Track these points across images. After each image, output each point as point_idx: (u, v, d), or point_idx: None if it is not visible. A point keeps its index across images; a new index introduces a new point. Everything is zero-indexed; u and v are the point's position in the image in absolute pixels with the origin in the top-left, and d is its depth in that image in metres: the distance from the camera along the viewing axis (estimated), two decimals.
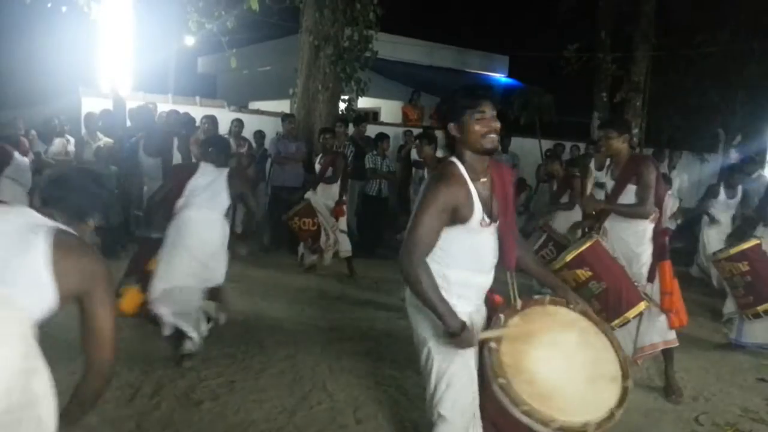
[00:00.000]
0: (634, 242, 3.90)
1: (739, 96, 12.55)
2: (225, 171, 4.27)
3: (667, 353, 4.08)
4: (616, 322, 3.77)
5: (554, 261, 3.88)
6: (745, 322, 4.97)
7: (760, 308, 4.75)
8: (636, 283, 3.82)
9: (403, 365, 4.33)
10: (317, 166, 7.00)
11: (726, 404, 4.02)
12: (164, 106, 8.88)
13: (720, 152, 8.30)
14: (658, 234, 3.93)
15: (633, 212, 3.87)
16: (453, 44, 16.91)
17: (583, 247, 3.75)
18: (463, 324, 2.27)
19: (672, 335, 3.98)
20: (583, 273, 3.72)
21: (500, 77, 18.03)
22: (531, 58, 15.24)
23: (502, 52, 17.86)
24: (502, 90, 16.52)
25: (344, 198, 7.02)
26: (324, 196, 6.86)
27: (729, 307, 5.14)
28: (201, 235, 4.11)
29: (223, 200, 4.21)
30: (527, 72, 16.42)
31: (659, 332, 3.93)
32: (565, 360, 2.34)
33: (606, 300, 3.72)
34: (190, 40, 13.43)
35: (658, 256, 3.91)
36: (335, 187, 6.91)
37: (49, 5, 7.96)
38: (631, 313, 3.76)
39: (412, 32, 15.66)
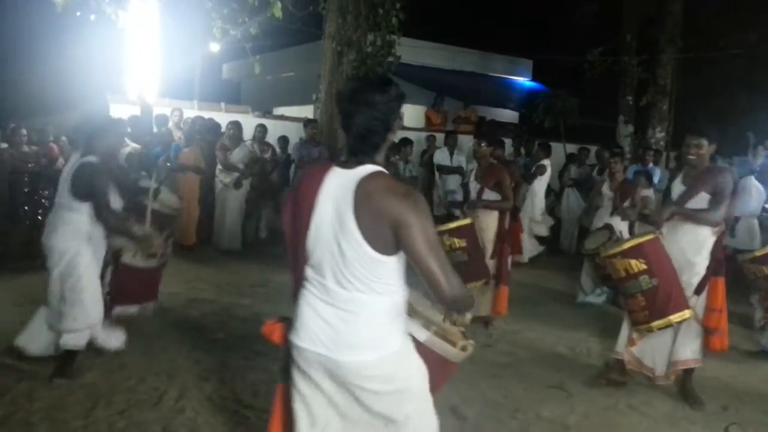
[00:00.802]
0: (691, 250, 3.83)
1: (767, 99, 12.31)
2: None
3: (688, 369, 4.03)
4: (659, 323, 3.71)
5: (609, 248, 3.83)
6: None
7: None
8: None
9: None
10: None
11: (757, 414, 3.94)
12: (190, 112, 9.01)
13: (750, 155, 8.13)
14: (718, 248, 3.86)
15: (703, 217, 3.79)
16: (476, 48, 16.85)
17: (645, 239, 3.71)
18: None
19: (700, 354, 3.93)
20: (637, 264, 3.67)
21: (524, 81, 17.91)
22: (555, 62, 15.11)
23: (525, 56, 17.74)
24: (525, 94, 16.45)
25: None
26: None
27: (760, 312, 5.04)
28: None
29: None
30: (551, 76, 16.30)
31: (693, 350, 3.89)
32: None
33: (654, 298, 3.67)
34: (214, 47, 13.58)
35: (713, 270, 3.85)
36: None
37: (78, 14, 8.12)
38: (676, 318, 3.70)
39: (435, 36, 15.65)
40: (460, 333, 2.35)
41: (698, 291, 3.84)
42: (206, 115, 8.92)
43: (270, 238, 8.62)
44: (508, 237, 6.93)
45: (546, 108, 11.71)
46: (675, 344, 3.90)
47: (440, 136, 9.97)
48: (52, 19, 8.70)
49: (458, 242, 5.06)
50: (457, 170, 8.89)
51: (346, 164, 1.97)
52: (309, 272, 2.02)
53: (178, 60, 11.07)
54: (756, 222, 7.51)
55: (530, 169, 8.97)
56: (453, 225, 5.11)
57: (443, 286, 1.87)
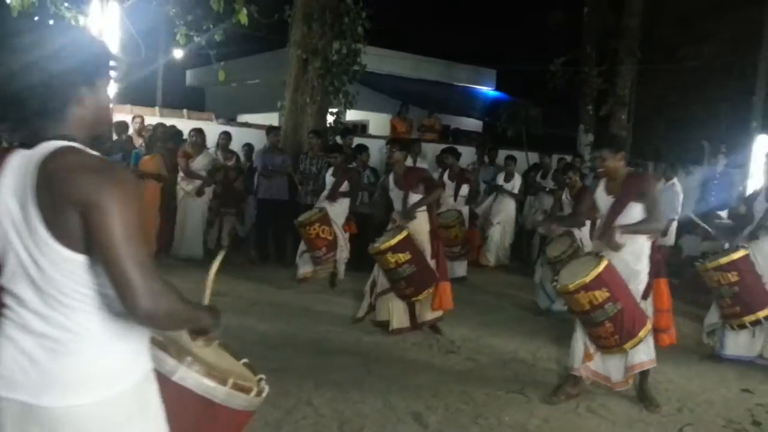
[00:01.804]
0: (633, 260, 3.90)
1: (722, 109, 12.74)
2: None
3: (645, 371, 4.10)
4: (630, 343, 3.79)
5: (567, 283, 3.77)
6: (728, 335, 5.00)
7: (747, 319, 4.76)
8: None
9: (390, 379, 4.33)
10: (328, 179, 7.02)
11: (710, 415, 4.05)
12: (151, 118, 8.88)
13: (705, 164, 8.41)
14: (654, 252, 3.95)
15: (650, 229, 3.88)
16: (441, 57, 17.04)
17: (602, 267, 3.70)
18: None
19: (654, 354, 4.00)
20: (601, 294, 3.69)
21: (488, 90, 18.17)
22: (518, 72, 15.38)
23: (489, 66, 18.01)
24: (489, 103, 16.68)
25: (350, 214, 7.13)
26: (333, 210, 6.89)
27: (711, 318, 5.16)
28: None
29: None
30: (514, 85, 16.59)
31: (646, 352, 3.95)
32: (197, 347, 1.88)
33: (621, 321, 3.72)
34: (178, 53, 13.44)
35: (654, 273, 3.94)
36: (345, 203, 6.97)
37: (35, 18, 7.94)
38: (643, 333, 3.79)
39: (401, 46, 15.78)
40: (248, 370, 1.96)
41: (645, 296, 3.93)
42: (168, 121, 8.80)
43: (233, 247, 8.53)
44: (466, 244, 7.00)
45: (509, 117, 11.90)
46: (629, 351, 3.96)
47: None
48: (7, 23, 8.47)
49: (403, 256, 5.09)
50: None
51: (29, 143, 1.45)
52: (4, 292, 1.48)
53: (139, 66, 10.91)
54: (675, 223, 7.87)
55: (495, 179, 9.12)
56: (393, 241, 5.08)
57: (139, 294, 1.35)
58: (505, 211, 8.78)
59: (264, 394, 1.85)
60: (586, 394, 4.17)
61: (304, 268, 7.02)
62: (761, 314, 4.72)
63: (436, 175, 8.44)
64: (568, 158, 10.15)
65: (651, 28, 12.57)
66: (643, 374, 4.13)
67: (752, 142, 9.24)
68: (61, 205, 1.37)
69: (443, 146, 9.37)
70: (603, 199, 4.05)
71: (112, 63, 1.55)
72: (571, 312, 4.07)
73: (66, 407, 1.42)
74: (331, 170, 7.10)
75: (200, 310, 1.69)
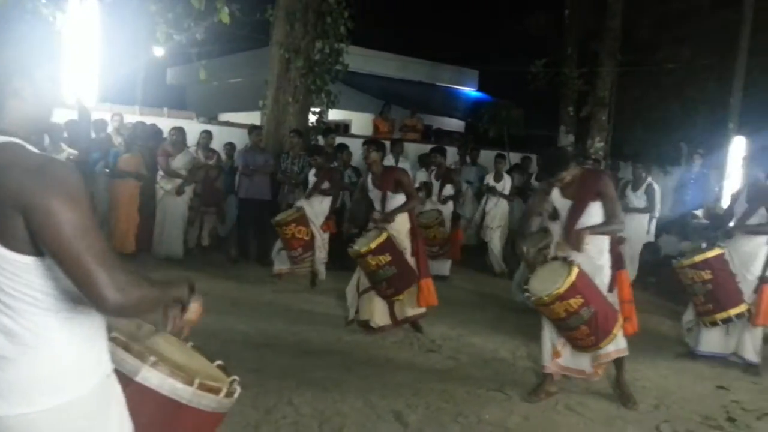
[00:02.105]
0: (596, 256, 3.95)
1: (700, 111, 12.92)
2: None
3: (618, 362, 4.14)
4: (606, 341, 3.84)
5: (541, 295, 3.75)
6: (703, 333, 5.07)
7: (718, 316, 4.84)
8: None
9: (371, 378, 4.33)
10: (311, 178, 6.98)
11: (686, 412, 4.10)
12: (131, 117, 8.80)
13: (682, 164, 8.54)
14: (614, 245, 4.04)
15: (613, 230, 3.94)
16: (424, 58, 17.08)
17: (574, 275, 3.71)
18: None
19: (624, 344, 4.05)
20: (575, 301, 3.71)
21: (470, 91, 18.25)
22: (500, 73, 15.46)
23: (472, 66, 18.09)
24: (471, 103, 16.76)
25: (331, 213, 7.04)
26: (312, 209, 6.83)
27: (688, 315, 5.24)
28: None
29: None
30: (497, 86, 16.68)
31: (614, 342, 3.98)
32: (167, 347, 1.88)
33: (596, 324, 3.76)
34: (158, 51, 13.29)
35: (615, 265, 4.01)
36: (326, 202, 6.91)
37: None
38: (617, 329, 3.84)
39: (384, 46, 15.79)
40: (221, 372, 1.88)
41: (610, 289, 4.00)
42: (148, 120, 8.73)
43: (213, 246, 8.49)
44: (447, 243, 7.05)
45: (491, 117, 11.96)
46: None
47: (388, 144, 10.03)
48: None
49: (383, 258, 5.10)
50: None
51: None
52: None
53: (119, 63, 10.78)
54: (655, 221, 8.02)
55: (482, 179, 9.14)
56: (373, 245, 5.05)
57: (104, 288, 1.30)
58: (501, 214, 8.66)
59: (235, 396, 1.80)
60: (565, 393, 4.21)
61: (280, 266, 6.98)
62: (732, 312, 4.80)
63: (421, 175, 8.48)
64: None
65: (631, 31, 12.71)
66: (619, 368, 4.17)
67: (729, 144, 9.39)
68: (2, 207, 1.30)
69: (425, 146, 9.39)
70: (560, 201, 4.06)
71: (55, 54, 1.46)
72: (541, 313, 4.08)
73: (16, 416, 1.35)
74: (314, 170, 7.08)
75: (171, 285, 1.62)
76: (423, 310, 5.41)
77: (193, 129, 8.78)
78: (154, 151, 7.79)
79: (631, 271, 7.29)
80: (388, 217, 5.28)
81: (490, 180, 8.76)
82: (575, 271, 3.72)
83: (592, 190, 3.93)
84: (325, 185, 6.88)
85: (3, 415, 1.35)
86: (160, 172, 7.74)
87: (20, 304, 1.36)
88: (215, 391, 1.72)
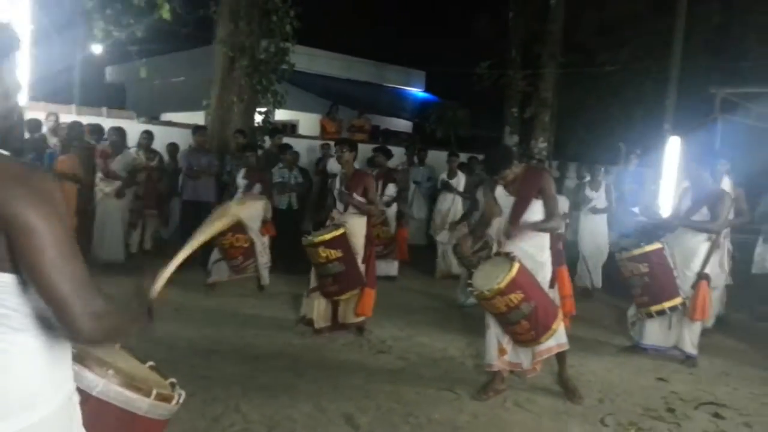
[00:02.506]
0: (537, 252, 4.04)
1: (637, 112, 13.40)
2: None
3: (560, 356, 4.23)
4: (546, 336, 3.91)
5: (483, 289, 3.81)
6: (646, 326, 5.25)
7: (654, 308, 5.03)
8: None
9: (321, 382, 4.28)
10: (240, 181, 6.79)
11: (629, 404, 4.22)
12: (67, 116, 8.45)
13: (622, 164, 8.83)
14: (554, 242, 4.15)
15: (550, 227, 4.02)
16: (371, 58, 17.10)
17: (515, 271, 3.76)
18: None
19: (564, 338, 4.14)
20: (516, 296, 3.77)
21: (417, 92, 18.39)
22: (447, 74, 15.63)
23: (419, 67, 18.23)
24: (419, 104, 16.87)
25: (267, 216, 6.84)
26: (247, 215, 6.64)
27: (633, 309, 5.41)
28: None
29: None
30: (443, 87, 16.86)
31: (555, 337, 4.06)
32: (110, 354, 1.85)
33: (536, 318, 3.83)
34: (96, 49, 12.84)
35: (556, 262, 4.13)
36: (259, 205, 6.72)
37: None
38: (556, 325, 3.91)
39: (330, 46, 15.73)
40: (157, 375, 1.88)
41: (552, 285, 4.11)
42: (86, 120, 8.40)
43: (156, 250, 8.25)
44: (393, 243, 7.07)
45: (438, 118, 12.07)
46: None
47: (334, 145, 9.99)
48: None
49: (334, 253, 5.09)
50: None
51: None
52: None
53: (54, 61, 10.36)
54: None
55: (430, 180, 9.21)
56: (328, 236, 5.09)
57: (78, 319, 1.24)
58: (454, 212, 8.61)
59: (181, 401, 1.79)
60: (513, 389, 4.27)
61: (217, 276, 6.74)
62: (667, 304, 4.99)
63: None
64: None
65: (572, 35, 13.08)
66: (561, 363, 4.26)
67: (665, 144, 9.75)
68: None
69: (373, 147, 9.37)
70: (504, 198, 4.14)
71: (15, 43, 1.36)
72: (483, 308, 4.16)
73: None
74: (243, 171, 6.86)
75: (137, 316, 1.58)
76: (362, 319, 5.42)
77: (134, 129, 8.51)
78: (93, 152, 7.51)
79: (594, 276, 7.46)
80: (348, 200, 5.28)
81: (444, 177, 8.79)
82: (516, 266, 3.78)
83: (534, 188, 4.01)
84: (257, 188, 6.70)
85: None
86: (99, 174, 7.46)
87: None
88: (169, 399, 1.72)
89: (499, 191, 4.15)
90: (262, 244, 6.72)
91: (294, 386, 4.17)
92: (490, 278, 3.82)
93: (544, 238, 4.08)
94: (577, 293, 7.17)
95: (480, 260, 5.89)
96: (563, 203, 7.55)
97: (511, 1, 12.83)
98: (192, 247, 1.89)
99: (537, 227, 3.99)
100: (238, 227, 6.38)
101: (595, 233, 7.66)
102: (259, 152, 8.94)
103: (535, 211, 4.02)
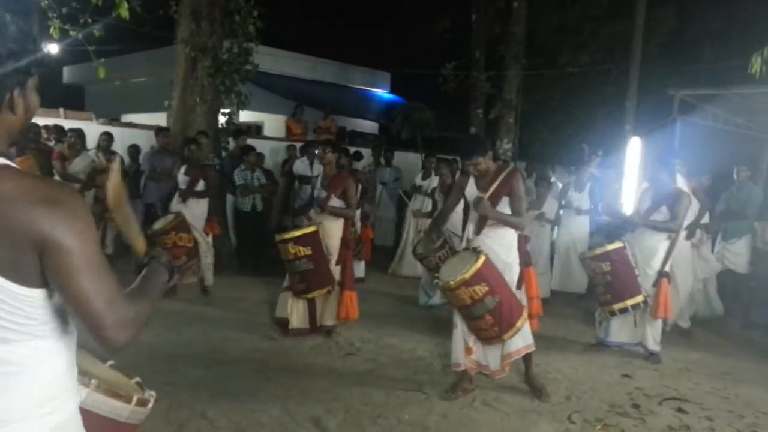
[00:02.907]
0: (504, 252, 4.07)
1: (599, 113, 13.64)
2: None
3: (526, 357, 4.26)
4: (509, 333, 3.92)
5: (448, 280, 3.85)
6: (612, 324, 5.34)
7: (616, 306, 5.12)
8: None
9: (289, 385, 4.23)
10: (181, 178, 6.56)
11: (595, 401, 4.28)
12: None
13: (585, 165, 8.97)
14: (521, 243, 4.15)
15: (514, 222, 4.04)
16: (336, 59, 17.04)
17: (480, 263, 3.80)
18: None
19: (531, 339, 4.17)
20: (480, 289, 3.79)
21: (382, 93, 18.40)
22: (411, 75, 15.68)
23: (384, 69, 18.24)
24: (384, 105, 16.88)
25: (212, 215, 6.61)
26: (190, 212, 6.42)
27: (599, 308, 5.49)
28: None
29: None
30: (408, 88, 16.90)
31: (523, 338, 4.10)
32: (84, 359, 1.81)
33: (500, 313, 3.84)
34: (53, 48, 12.46)
35: (524, 263, 4.13)
36: (203, 203, 6.53)
37: None
38: (520, 323, 3.93)
39: (295, 46, 15.63)
40: (134, 383, 1.90)
41: (519, 286, 4.12)
42: (43, 121, 8.16)
43: (117, 254, 8.04)
44: (360, 243, 7.06)
45: (403, 119, 12.08)
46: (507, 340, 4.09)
47: (300, 146, 9.91)
48: None
49: (303, 250, 5.06)
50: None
51: None
52: None
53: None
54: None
55: (397, 180, 9.20)
56: (298, 233, 5.08)
57: (109, 330, 1.29)
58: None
59: (152, 402, 1.81)
60: (482, 389, 4.29)
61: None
62: (629, 302, 5.08)
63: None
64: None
65: (534, 36, 13.24)
66: (527, 363, 4.29)
67: (626, 144, 9.93)
68: (11, 240, 1.23)
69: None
70: (475, 194, 4.17)
71: (42, 59, 1.35)
72: (450, 305, 4.18)
73: None
74: (184, 168, 6.60)
75: (155, 279, 1.57)
76: (336, 322, 5.40)
77: (93, 130, 8.30)
78: (49, 154, 7.29)
79: (582, 280, 7.28)
80: (325, 203, 5.25)
81: (417, 179, 8.81)
82: (482, 259, 3.83)
83: (506, 185, 4.04)
84: (200, 186, 6.48)
85: None
86: (56, 177, 7.24)
87: (17, 335, 1.31)
88: (145, 403, 1.75)
89: (471, 187, 4.19)
90: (207, 244, 6.51)
91: (262, 390, 4.11)
92: (456, 270, 3.87)
93: (513, 239, 4.10)
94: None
95: (439, 259, 6.02)
96: (552, 205, 7.64)
97: (473, 2, 12.94)
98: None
99: (503, 218, 4.02)
100: (182, 226, 6.22)
101: (575, 234, 7.58)
102: (224, 154, 8.85)
103: (503, 209, 4.05)
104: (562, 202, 7.74)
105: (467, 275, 3.76)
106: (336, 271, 5.30)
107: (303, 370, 4.59)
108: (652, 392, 4.51)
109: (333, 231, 5.31)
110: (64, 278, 1.26)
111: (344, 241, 5.38)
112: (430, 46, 14.83)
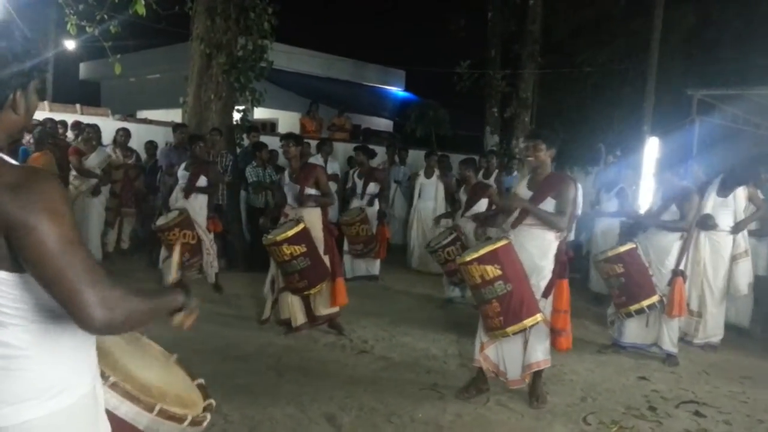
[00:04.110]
0: (537, 254, 3.96)
1: (617, 113, 13.51)
2: None
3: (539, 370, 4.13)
4: (514, 327, 3.83)
5: (464, 254, 3.89)
6: (625, 325, 5.28)
7: (632, 308, 5.06)
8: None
9: (302, 382, 4.22)
10: (181, 173, 6.51)
11: (611, 403, 4.22)
12: (39, 113, 8.25)
13: (602, 165, 8.88)
14: (561, 252, 4.02)
15: (552, 220, 3.93)
16: (351, 57, 17.03)
17: (499, 245, 3.81)
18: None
19: (549, 355, 4.07)
20: (492, 270, 3.76)
21: (397, 91, 18.36)
22: (427, 73, 15.63)
23: (398, 66, 18.20)
24: (399, 103, 16.85)
25: (210, 211, 6.54)
26: (192, 209, 6.36)
27: (612, 308, 5.44)
28: None
29: None
30: (423, 86, 16.87)
31: (544, 351, 4.03)
32: (143, 361, 1.97)
33: (508, 303, 3.78)
34: (70, 44, 12.59)
35: (558, 273, 4.00)
36: (203, 200, 6.46)
37: None
38: (529, 322, 3.84)
39: (310, 43, 15.64)
40: (197, 394, 1.81)
41: (546, 294, 3.99)
42: (59, 116, 8.23)
43: (134, 249, 8.10)
44: (374, 242, 7.02)
45: (418, 117, 12.03)
46: (527, 348, 4.02)
47: (315, 144, 9.90)
48: None
49: (298, 249, 5.04)
50: (332, 177, 8.86)
51: None
52: None
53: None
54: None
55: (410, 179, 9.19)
56: (291, 233, 5.02)
57: (91, 308, 1.26)
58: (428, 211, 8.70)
59: (205, 424, 1.72)
60: (496, 389, 4.25)
61: (171, 275, 6.49)
62: (644, 303, 5.02)
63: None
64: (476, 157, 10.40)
65: (551, 35, 13.14)
66: (537, 373, 4.13)
67: (644, 145, 9.84)
68: None
69: (354, 146, 9.31)
70: (524, 193, 4.12)
71: (45, 61, 1.43)
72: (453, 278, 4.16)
73: (21, 423, 1.35)
74: (185, 164, 6.55)
75: (164, 294, 1.59)
76: (336, 309, 5.37)
77: (109, 126, 8.36)
78: (66, 149, 7.35)
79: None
80: (303, 199, 5.22)
81: (422, 178, 8.81)
82: (503, 242, 3.83)
83: (553, 188, 3.98)
84: (202, 181, 6.42)
85: (2, 426, 1.35)
86: (73, 172, 7.31)
87: (11, 318, 1.34)
88: (178, 419, 1.64)
89: (522, 187, 4.17)
90: (210, 242, 6.47)
91: (275, 386, 4.11)
92: (477, 249, 3.89)
93: (551, 244, 3.98)
94: (590, 298, 7.24)
95: (448, 255, 6.03)
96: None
97: (489, 0, 12.86)
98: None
99: (539, 214, 3.93)
100: (186, 223, 6.22)
101: (608, 236, 7.57)
102: (238, 151, 8.87)
103: (547, 209, 3.96)
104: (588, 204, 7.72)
105: (482, 252, 3.77)
106: (325, 260, 5.27)
107: (316, 367, 4.58)
108: (669, 395, 4.45)
109: (314, 222, 5.26)
110: (31, 254, 1.25)
111: (326, 229, 5.36)
112: (445, 44, 14.76)
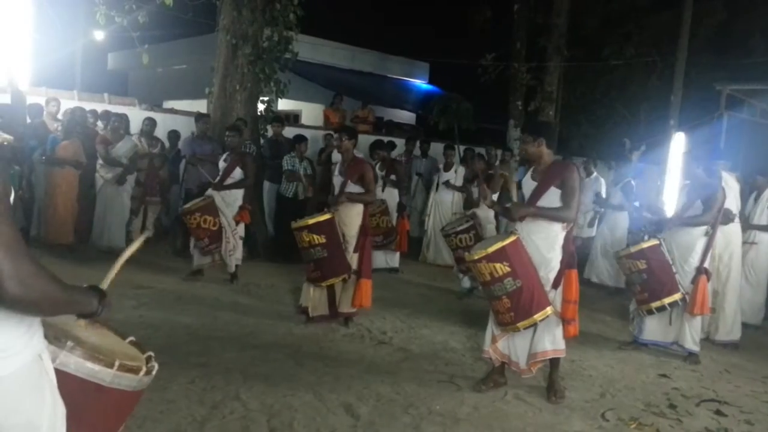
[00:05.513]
0: (545, 246, 3.94)
1: (643, 107, 13.31)
2: None
3: (554, 360, 4.12)
4: (524, 323, 3.84)
5: (473, 252, 3.92)
6: (646, 322, 5.23)
7: (654, 305, 5.02)
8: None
9: (321, 371, 4.26)
10: (221, 165, 6.58)
11: (630, 400, 4.20)
12: (69, 102, 8.40)
13: (626, 160, 8.78)
14: (568, 242, 4.00)
15: (558, 216, 3.90)
16: (375, 49, 17.00)
17: (507, 241, 3.81)
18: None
19: (562, 345, 4.04)
20: (501, 267, 3.76)
21: (421, 83, 18.28)
22: (451, 66, 15.54)
23: (423, 59, 18.12)
24: (422, 96, 16.79)
25: (246, 203, 6.56)
26: (222, 198, 6.42)
27: (633, 305, 5.39)
28: None
29: None
30: (447, 79, 16.76)
31: (552, 341, 4.00)
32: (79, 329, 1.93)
33: (518, 299, 3.78)
34: (99, 35, 12.78)
35: (566, 264, 3.98)
36: (236, 191, 6.48)
37: None
38: (539, 316, 3.84)
39: (334, 35, 15.64)
40: (135, 349, 1.94)
41: (555, 285, 3.96)
42: (88, 106, 8.36)
43: (157, 237, 8.21)
44: (395, 234, 7.03)
45: (441, 110, 11.99)
46: (534, 338, 4.01)
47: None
48: None
49: (317, 238, 5.06)
50: None
51: None
52: None
53: (56, 46, 10.30)
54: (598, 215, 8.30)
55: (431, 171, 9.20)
56: (312, 221, 5.06)
57: (5, 279, 1.26)
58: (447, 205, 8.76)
59: (154, 372, 1.86)
60: (514, 383, 4.25)
61: (201, 261, 6.54)
62: (666, 300, 4.98)
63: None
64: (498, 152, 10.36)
65: (578, 28, 12.98)
66: (554, 364, 4.14)
67: (670, 140, 9.69)
68: None
69: (373, 140, 9.34)
70: (528, 184, 4.12)
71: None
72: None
73: None
74: (225, 155, 6.60)
75: (82, 293, 1.60)
76: (355, 310, 5.37)
77: (136, 116, 8.47)
78: (94, 138, 7.48)
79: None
80: (338, 198, 5.23)
81: (441, 171, 8.84)
82: (511, 239, 3.84)
83: (556, 176, 3.95)
84: (237, 173, 6.44)
85: None
86: (100, 161, 7.43)
87: None
88: (135, 371, 1.79)
89: (527, 178, 4.16)
90: (232, 231, 6.46)
91: (294, 375, 4.15)
92: (486, 246, 3.92)
93: (558, 236, 3.95)
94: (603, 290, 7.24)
95: (460, 242, 6.17)
96: (587, 198, 7.66)
97: None
98: (123, 258, 2.10)
99: (545, 214, 3.92)
100: (209, 208, 6.29)
101: (615, 229, 7.72)
102: (262, 141, 8.94)
103: (552, 199, 3.93)
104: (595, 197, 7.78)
105: (490, 250, 3.78)
106: (354, 258, 5.25)
107: (335, 357, 4.62)
108: (689, 393, 4.41)
109: (350, 218, 5.24)
110: None
111: (363, 228, 5.31)
112: (469, 36, 14.66)
